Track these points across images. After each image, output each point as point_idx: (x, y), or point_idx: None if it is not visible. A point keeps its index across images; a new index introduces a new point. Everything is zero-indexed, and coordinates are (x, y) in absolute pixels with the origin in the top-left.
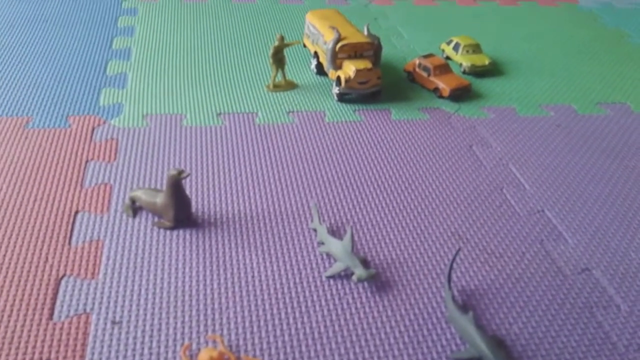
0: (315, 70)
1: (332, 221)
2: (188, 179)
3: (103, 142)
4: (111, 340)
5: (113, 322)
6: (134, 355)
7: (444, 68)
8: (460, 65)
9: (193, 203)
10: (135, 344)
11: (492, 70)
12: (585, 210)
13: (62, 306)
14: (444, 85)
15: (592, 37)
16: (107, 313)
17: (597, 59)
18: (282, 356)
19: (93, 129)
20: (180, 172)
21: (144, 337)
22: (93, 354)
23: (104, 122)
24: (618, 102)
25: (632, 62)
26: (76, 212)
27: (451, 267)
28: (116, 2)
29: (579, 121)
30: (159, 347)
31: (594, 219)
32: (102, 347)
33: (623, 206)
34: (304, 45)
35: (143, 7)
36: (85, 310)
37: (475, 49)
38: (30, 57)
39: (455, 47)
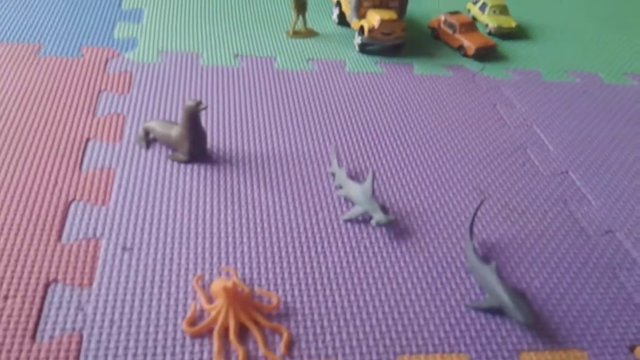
0: (336, 20)
1: (351, 167)
2: (204, 115)
3: (117, 73)
4: (121, 265)
5: (124, 248)
6: (144, 282)
7: (470, 26)
8: (486, 25)
9: (209, 139)
10: (146, 270)
11: (518, 33)
12: (610, 174)
13: (71, 229)
14: (469, 43)
15: (625, 5)
16: (117, 239)
17: (628, 28)
18: (296, 292)
19: (107, 61)
20: (199, 104)
21: (155, 264)
22: (102, 277)
23: (118, 55)
24: None
25: None
26: (87, 140)
27: (473, 219)
28: None
29: (605, 89)
30: (170, 275)
31: (619, 184)
32: (112, 271)
33: None
34: None
35: None
36: (95, 234)
37: (503, 10)
38: None
39: (482, 7)
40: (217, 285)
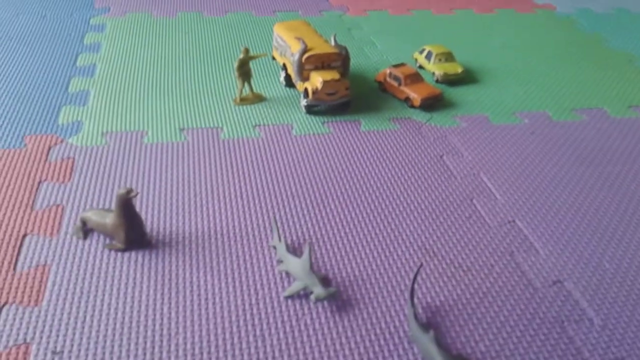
0: (284, 82)
1: (295, 237)
2: (145, 198)
3: (58, 161)
4: None
5: (53, 352)
6: None
7: (415, 77)
8: (433, 74)
9: (150, 223)
10: None
11: (465, 79)
12: (558, 219)
13: (1, 337)
14: (414, 94)
15: (569, 42)
16: (48, 342)
17: (574, 65)
18: None
19: (49, 149)
20: (129, 191)
21: None
22: None
23: (61, 141)
24: (594, 107)
25: (608, 66)
26: (24, 236)
27: (414, 283)
28: (84, 19)
29: (554, 127)
30: None
31: (567, 229)
32: None
33: (597, 214)
34: (273, 58)
35: (111, 23)
36: (25, 340)
37: (448, 57)
38: None
39: (428, 56)
40: None
